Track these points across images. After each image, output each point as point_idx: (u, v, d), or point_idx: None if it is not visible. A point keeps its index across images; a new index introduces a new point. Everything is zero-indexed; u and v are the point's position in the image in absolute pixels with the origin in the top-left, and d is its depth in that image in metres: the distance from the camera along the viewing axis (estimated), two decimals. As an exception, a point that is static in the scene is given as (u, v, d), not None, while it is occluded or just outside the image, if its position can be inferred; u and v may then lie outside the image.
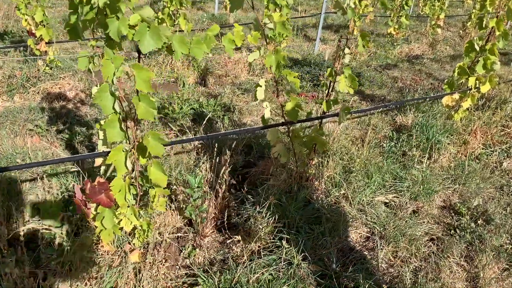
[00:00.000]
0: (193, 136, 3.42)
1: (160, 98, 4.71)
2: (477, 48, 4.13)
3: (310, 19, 10.09)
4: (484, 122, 4.50)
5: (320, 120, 3.04)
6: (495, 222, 2.91)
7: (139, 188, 2.07)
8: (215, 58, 6.39)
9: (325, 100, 2.99)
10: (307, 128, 3.79)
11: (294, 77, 2.52)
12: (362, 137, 3.80)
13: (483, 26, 4.10)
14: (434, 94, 5.66)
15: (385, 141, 3.96)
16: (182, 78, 5.37)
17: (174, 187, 2.77)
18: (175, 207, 2.71)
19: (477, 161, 3.93)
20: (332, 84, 2.99)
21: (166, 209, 2.42)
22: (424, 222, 2.91)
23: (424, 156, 3.73)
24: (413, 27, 11.00)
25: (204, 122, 3.37)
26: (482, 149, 4.22)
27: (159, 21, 5.29)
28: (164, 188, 2.05)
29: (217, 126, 4.28)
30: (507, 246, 2.71)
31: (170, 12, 5.23)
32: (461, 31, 9.97)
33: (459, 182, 3.45)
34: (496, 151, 4.19)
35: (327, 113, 3.01)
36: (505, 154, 4.19)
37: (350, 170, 3.23)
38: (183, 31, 5.16)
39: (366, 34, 2.85)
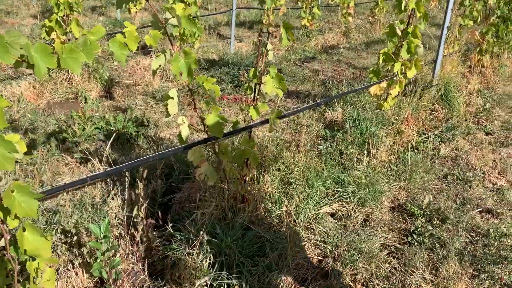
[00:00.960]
0: (97, 162, 2.80)
1: (56, 120, 3.97)
2: (399, 32, 3.93)
3: (222, 17, 9.63)
4: (414, 108, 4.35)
5: (249, 130, 2.58)
6: (450, 220, 2.66)
7: (13, 263, 1.46)
8: (121, 66, 5.70)
9: (252, 106, 2.54)
10: (236, 138, 3.32)
11: (212, 83, 2.04)
12: (296, 140, 3.41)
13: (402, 8, 3.90)
14: (357, 83, 5.48)
15: (319, 141, 3.62)
16: (83, 93, 4.64)
17: (75, 237, 2.16)
18: (80, 263, 2.11)
19: (416, 150, 3.73)
20: (258, 86, 2.55)
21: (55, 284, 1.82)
22: (377, 231, 2.57)
23: (363, 153, 3.44)
24: (325, 17, 10.99)
25: (108, 146, 2.76)
26: (417, 136, 4.05)
27: (47, 29, 4.51)
28: (50, 257, 1.46)
29: (130, 145, 3.66)
30: (469, 246, 2.46)
31: (59, 19, 4.48)
32: (370, 18, 10.11)
33: (403, 177, 3.19)
34: (430, 137, 4.04)
35: (256, 121, 2.57)
36: (439, 139, 4.05)
37: (289, 181, 2.82)
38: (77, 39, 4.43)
39: (288, 25, 2.44)
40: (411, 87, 4.81)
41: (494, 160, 3.62)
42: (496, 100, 5.25)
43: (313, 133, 3.72)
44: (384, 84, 4.17)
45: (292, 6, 10.76)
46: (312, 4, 7.90)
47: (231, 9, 6.38)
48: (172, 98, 2.06)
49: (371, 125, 3.87)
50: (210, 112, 2.17)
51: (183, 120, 2.20)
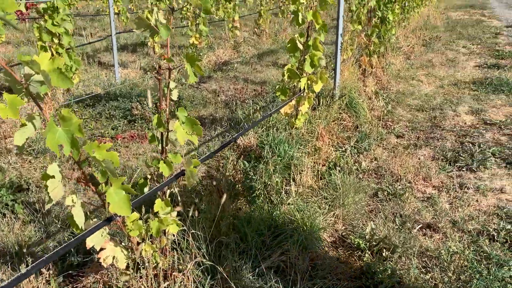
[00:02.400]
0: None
1: None
2: (301, 46, 3.71)
3: (100, 42, 8.79)
4: (325, 122, 4.17)
5: (162, 190, 2.08)
6: (400, 249, 2.43)
7: None
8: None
9: (162, 160, 2.05)
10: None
11: (107, 149, 1.51)
12: (216, 184, 2.97)
13: (300, 21, 3.69)
14: (261, 100, 5.22)
15: (239, 177, 3.22)
16: None
17: None
18: None
19: (338, 168, 3.52)
20: (166, 134, 2.07)
21: None
22: (327, 281, 2.24)
23: (288, 183, 3.12)
24: (212, 32, 10.71)
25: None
26: (335, 151, 3.87)
27: None
28: None
29: (6, 222, 2.89)
30: (427, 276, 2.24)
31: None
32: (256, 29, 10.05)
33: (336, 203, 2.93)
34: (347, 150, 3.88)
35: (169, 177, 2.07)
36: (356, 151, 3.92)
37: (219, 242, 2.37)
38: None
39: (193, 57, 2.01)
40: (319, 100, 4.67)
41: (414, 166, 3.55)
42: (395, 100, 5.36)
43: (230, 169, 3.31)
44: (293, 102, 3.94)
45: (175, 25, 10.28)
46: (198, 21, 7.52)
47: (110, 35, 5.71)
48: (53, 176, 1.49)
49: (290, 147, 3.58)
50: (110, 185, 1.63)
51: (73, 201, 1.63)
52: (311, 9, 3.72)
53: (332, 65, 5.00)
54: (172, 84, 2.09)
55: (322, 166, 3.61)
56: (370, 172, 3.53)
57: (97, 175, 1.66)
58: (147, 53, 8.14)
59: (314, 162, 3.63)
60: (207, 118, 4.91)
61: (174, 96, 2.13)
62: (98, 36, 9.99)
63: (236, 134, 2.85)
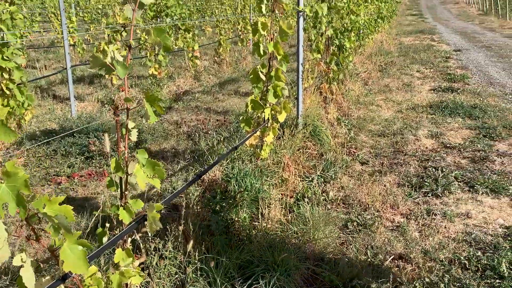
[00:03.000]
0: None
1: None
2: (263, 77, 3.69)
3: (55, 75, 8.50)
4: (291, 151, 4.13)
5: (123, 238, 1.93)
6: (374, 285, 2.36)
7: None
8: None
9: (121, 207, 1.90)
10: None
11: (60, 202, 1.36)
12: (183, 228, 2.81)
13: (262, 52, 3.67)
14: (224, 130, 5.14)
15: (206, 214, 3.08)
16: None
17: None
18: None
19: (306, 199, 3.45)
20: (125, 178, 1.93)
21: None
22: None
23: (257, 218, 3.02)
24: (172, 62, 10.63)
25: None
26: (302, 181, 3.81)
27: None
28: None
29: None
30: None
31: None
32: (216, 58, 10.06)
33: (306, 238, 2.85)
34: (314, 179, 3.84)
35: (129, 225, 1.93)
36: (323, 180, 3.88)
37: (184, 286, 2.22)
38: None
39: (153, 97, 1.91)
40: (283, 129, 4.64)
41: (381, 193, 3.54)
42: (356, 126, 5.42)
43: (195, 205, 3.17)
44: (258, 133, 3.88)
45: (133, 55, 10.13)
46: (157, 51, 7.42)
47: (65, 68, 5.51)
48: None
49: (256, 180, 3.49)
50: (64, 239, 1.48)
51: (22, 260, 1.46)
52: (271, 40, 3.72)
53: (294, 94, 5.01)
54: (130, 124, 1.97)
55: (290, 197, 3.54)
56: (338, 202, 3.48)
57: (49, 230, 1.50)
58: (105, 85, 7.93)
59: (282, 194, 3.56)
60: (169, 151, 4.77)
61: (134, 137, 2.00)
62: (53, 68, 9.67)
63: (200, 172, 2.74)
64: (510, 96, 6.95)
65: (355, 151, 4.57)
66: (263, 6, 3.60)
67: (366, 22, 9.39)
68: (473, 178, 3.82)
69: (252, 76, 3.73)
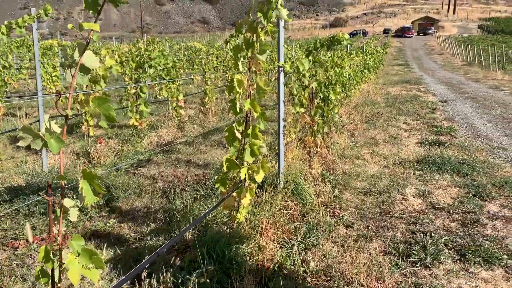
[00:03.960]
0: None
1: None
2: (239, 135, 3.48)
3: (33, 125, 8.24)
4: (269, 214, 3.85)
5: None
6: None
7: None
8: None
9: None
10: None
11: None
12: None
13: (238, 110, 3.48)
14: (202, 187, 4.87)
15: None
16: None
17: None
18: None
19: (284, 271, 3.15)
20: (59, 268, 1.64)
21: None
22: None
23: (227, 296, 2.70)
24: (156, 110, 10.48)
25: None
26: (280, 248, 3.51)
27: None
28: None
29: None
30: None
31: None
32: (201, 108, 9.94)
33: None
34: (294, 246, 3.54)
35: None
36: (303, 246, 3.59)
37: None
38: None
39: (91, 174, 1.66)
40: (263, 187, 4.38)
41: (365, 263, 3.25)
42: (341, 183, 5.18)
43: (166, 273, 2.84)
44: (234, 194, 3.62)
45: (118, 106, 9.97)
46: (139, 102, 7.26)
47: (38, 120, 5.28)
48: None
49: (230, 248, 3.19)
50: None
51: None
52: (248, 97, 3.54)
53: (275, 149, 4.80)
54: (68, 203, 1.70)
55: (267, 269, 3.23)
56: (319, 273, 3.17)
57: None
58: (83, 135, 7.69)
59: (259, 264, 3.25)
60: (141, 211, 4.46)
61: (73, 217, 1.73)
62: (34, 117, 9.46)
63: (168, 242, 2.45)
64: (498, 150, 6.82)
65: (339, 212, 4.30)
66: (240, 64, 3.45)
67: (351, 74, 9.40)
68: (464, 245, 3.56)
69: (227, 134, 3.53)
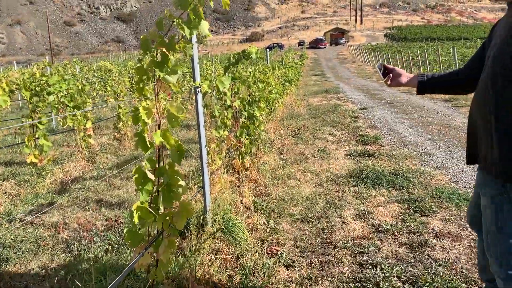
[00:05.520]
0: None
1: None
2: (152, 176, 2.82)
3: None
4: (198, 266, 3.21)
5: None
6: None
7: None
8: None
9: None
10: None
11: None
12: None
13: (148, 144, 2.84)
14: (115, 234, 4.11)
15: None
16: None
17: None
18: None
19: None
20: None
21: None
22: None
23: None
24: (64, 141, 9.36)
25: None
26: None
27: None
28: None
29: None
30: None
31: None
32: (115, 134, 9.02)
33: None
34: (229, 303, 2.93)
35: None
36: (241, 301, 2.99)
37: None
38: None
39: None
40: (187, 229, 3.74)
41: (315, 316, 2.73)
42: (276, 210, 4.67)
43: None
44: (150, 250, 2.94)
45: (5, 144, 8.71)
46: (37, 135, 6.25)
47: None
48: None
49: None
50: None
51: None
52: (159, 127, 2.90)
53: (199, 183, 4.18)
54: None
55: None
56: None
57: None
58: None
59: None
60: (38, 274, 3.59)
61: None
62: None
63: None
64: (425, 156, 6.77)
65: (277, 248, 3.76)
66: (147, 88, 2.81)
67: (275, 88, 9.07)
68: (418, 275, 3.18)
69: (136, 176, 2.85)
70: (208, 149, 4.61)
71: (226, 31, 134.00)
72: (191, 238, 3.56)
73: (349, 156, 7.08)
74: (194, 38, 3.69)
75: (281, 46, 69.64)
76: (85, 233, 4.13)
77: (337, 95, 17.26)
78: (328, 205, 4.78)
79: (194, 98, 3.88)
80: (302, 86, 22.33)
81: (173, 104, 2.89)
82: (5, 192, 5.70)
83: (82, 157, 7.40)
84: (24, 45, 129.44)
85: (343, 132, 9.34)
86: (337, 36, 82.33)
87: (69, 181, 6.40)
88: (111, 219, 4.51)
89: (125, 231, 2.92)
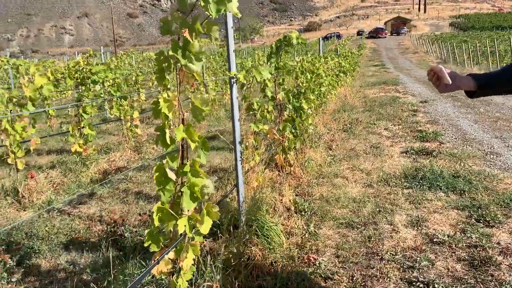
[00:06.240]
0: None
1: None
2: (173, 176, 2.57)
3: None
4: (224, 273, 2.94)
5: None
6: None
7: None
8: None
9: None
10: None
11: None
12: None
13: (168, 141, 2.58)
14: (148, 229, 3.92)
15: None
16: None
17: None
18: None
19: None
20: None
21: None
22: None
23: None
24: (109, 131, 9.48)
25: None
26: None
27: None
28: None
29: None
30: None
31: None
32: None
33: None
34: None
35: None
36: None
37: None
38: None
39: None
40: (219, 230, 3.47)
41: None
42: (318, 213, 4.30)
43: None
44: (171, 255, 2.71)
45: (51, 132, 8.88)
46: (82, 124, 6.27)
47: None
48: None
49: None
50: None
51: None
52: (182, 122, 2.64)
53: (234, 181, 3.90)
54: None
55: None
56: None
57: None
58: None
59: None
60: (65, 270, 3.48)
61: None
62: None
63: None
64: (491, 156, 6.07)
65: (315, 257, 3.40)
66: (168, 78, 2.55)
67: (326, 79, 8.58)
68: (479, 300, 2.71)
69: (157, 174, 2.60)
70: (246, 144, 4.31)
71: (283, 21, 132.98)
72: (220, 242, 3.29)
73: (404, 154, 6.51)
74: (230, 22, 3.37)
75: (338, 36, 67.87)
76: (116, 228, 3.99)
77: (396, 86, 16.35)
78: (377, 209, 4.33)
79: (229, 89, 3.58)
80: (359, 77, 21.45)
81: (197, 96, 2.61)
82: (50, 181, 5.74)
83: (128, 147, 7.39)
84: (91, 36, 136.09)
85: (400, 127, 8.70)
86: (398, 25, 78.98)
87: (113, 171, 6.38)
88: (145, 214, 4.36)
89: (145, 232, 2.71)
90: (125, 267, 3.24)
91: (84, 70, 6.00)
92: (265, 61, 5.34)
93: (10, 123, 4.99)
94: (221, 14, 2.70)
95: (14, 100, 5.08)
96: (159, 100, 2.52)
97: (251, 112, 4.35)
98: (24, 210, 4.86)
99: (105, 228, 4.13)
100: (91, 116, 6.32)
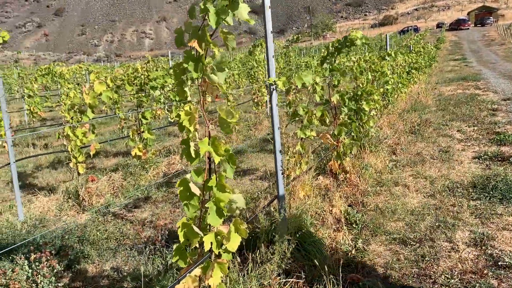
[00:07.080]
0: None
1: None
2: (197, 191, 2.48)
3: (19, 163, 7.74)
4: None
5: None
6: None
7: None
8: None
9: None
10: None
11: None
12: None
13: (193, 154, 2.50)
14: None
15: None
16: None
17: None
18: None
19: None
20: None
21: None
22: None
23: None
24: (176, 132, 9.72)
25: None
26: None
27: None
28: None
29: None
30: None
31: None
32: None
33: None
34: None
35: None
36: None
37: None
38: None
39: None
40: (258, 241, 3.34)
41: None
42: (370, 226, 4.00)
43: None
44: (198, 272, 2.62)
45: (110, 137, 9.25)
46: (142, 129, 6.46)
47: (9, 164, 4.58)
48: None
49: None
50: None
51: None
52: (209, 135, 2.54)
53: (274, 191, 3.73)
54: None
55: None
56: None
57: None
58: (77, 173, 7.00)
59: None
60: (110, 276, 3.55)
61: None
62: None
63: None
64: None
65: (359, 277, 3.14)
66: (187, 90, 2.47)
67: (392, 78, 8.07)
68: None
69: (181, 189, 2.53)
70: (293, 151, 4.13)
71: (356, 16, 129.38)
72: (256, 257, 3.15)
73: (476, 160, 5.91)
74: (269, 26, 3.21)
75: (416, 29, 64.43)
76: (160, 236, 4.01)
77: (477, 82, 15.08)
78: (437, 224, 3.93)
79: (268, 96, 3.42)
80: (436, 72, 20.14)
81: (222, 108, 2.50)
82: (111, 184, 5.98)
83: (187, 151, 7.50)
84: (168, 39, 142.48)
85: (475, 128, 7.95)
86: (483, 15, 73.24)
87: (171, 174, 6.51)
88: (191, 221, 4.34)
89: (174, 247, 2.66)
90: (163, 278, 3.23)
91: (142, 76, 6.17)
92: (319, 63, 5.11)
93: (71, 129, 5.25)
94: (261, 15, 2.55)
95: (76, 107, 5.34)
96: (181, 113, 2.45)
97: (296, 119, 4.15)
98: (83, 213, 5.08)
99: (152, 235, 4.18)
100: (150, 121, 6.49)
